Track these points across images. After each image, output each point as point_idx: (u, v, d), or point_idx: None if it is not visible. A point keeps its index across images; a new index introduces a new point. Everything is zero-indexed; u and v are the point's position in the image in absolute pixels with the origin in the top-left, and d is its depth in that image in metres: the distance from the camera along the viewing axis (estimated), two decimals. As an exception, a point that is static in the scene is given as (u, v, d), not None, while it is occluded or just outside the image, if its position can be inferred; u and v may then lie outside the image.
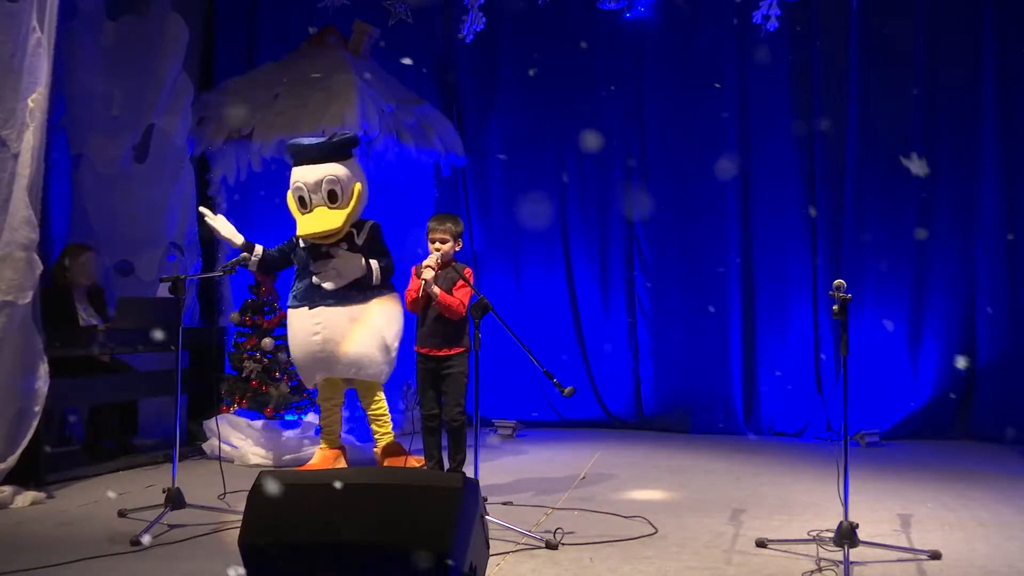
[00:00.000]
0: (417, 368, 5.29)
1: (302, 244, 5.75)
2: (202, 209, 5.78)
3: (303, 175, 5.67)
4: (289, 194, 5.77)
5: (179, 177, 7.22)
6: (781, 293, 7.73)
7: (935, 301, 7.45)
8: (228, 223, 5.76)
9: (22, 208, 5.14)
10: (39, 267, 5.25)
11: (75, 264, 6.32)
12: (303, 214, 5.68)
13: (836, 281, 4.17)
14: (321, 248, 5.69)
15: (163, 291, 6.33)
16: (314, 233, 5.61)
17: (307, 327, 5.65)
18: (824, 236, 7.63)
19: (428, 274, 5.05)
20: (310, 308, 5.66)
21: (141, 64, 7.06)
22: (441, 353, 5.18)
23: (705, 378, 7.83)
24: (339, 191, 5.63)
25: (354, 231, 5.73)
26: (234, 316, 6.70)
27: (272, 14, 8.22)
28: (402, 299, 5.56)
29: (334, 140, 5.74)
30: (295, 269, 5.84)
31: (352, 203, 5.66)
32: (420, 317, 5.24)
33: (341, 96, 6.66)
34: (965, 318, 7.42)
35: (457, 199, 8.29)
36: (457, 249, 5.23)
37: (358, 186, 5.71)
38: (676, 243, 7.95)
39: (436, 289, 5.07)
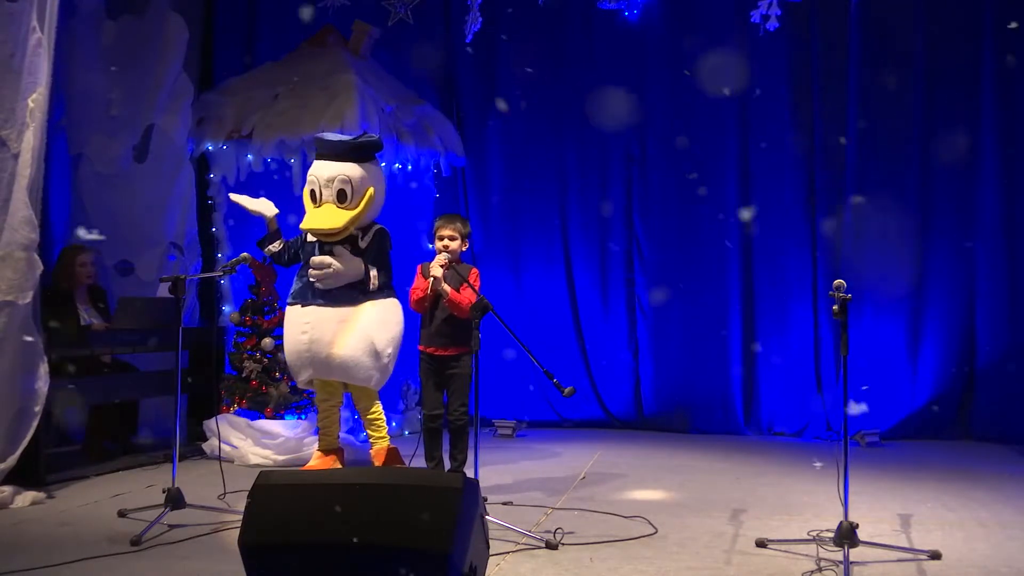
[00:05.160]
0: (421, 367, 5.28)
1: (309, 239, 5.65)
2: (233, 196, 5.89)
3: (318, 170, 5.58)
4: (306, 187, 5.68)
5: (179, 177, 7.21)
6: (781, 293, 7.72)
7: (935, 301, 7.45)
8: (258, 200, 5.82)
9: (22, 208, 5.14)
10: (39, 267, 5.25)
11: (75, 265, 6.33)
12: (313, 208, 5.58)
13: (836, 281, 4.18)
14: (324, 247, 5.58)
15: (163, 291, 6.32)
16: (314, 229, 5.52)
17: (297, 326, 5.59)
18: (824, 236, 7.63)
19: (437, 273, 5.05)
20: (303, 306, 5.59)
21: (141, 64, 7.05)
22: (447, 353, 5.18)
23: (705, 378, 7.82)
24: (349, 192, 5.49)
25: (359, 233, 5.61)
26: (234, 316, 6.71)
27: (272, 14, 8.22)
28: (404, 301, 5.53)
29: (357, 140, 5.66)
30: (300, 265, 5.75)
31: (361, 206, 5.52)
32: (426, 317, 5.23)
33: (341, 96, 6.65)
34: (965, 318, 7.42)
35: (457, 199, 8.28)
36: (464, 249, 5.22)
37: (371, 190, 5.56)
38: (676, 243, 7.94)
39: (447, 287, 5.06)
